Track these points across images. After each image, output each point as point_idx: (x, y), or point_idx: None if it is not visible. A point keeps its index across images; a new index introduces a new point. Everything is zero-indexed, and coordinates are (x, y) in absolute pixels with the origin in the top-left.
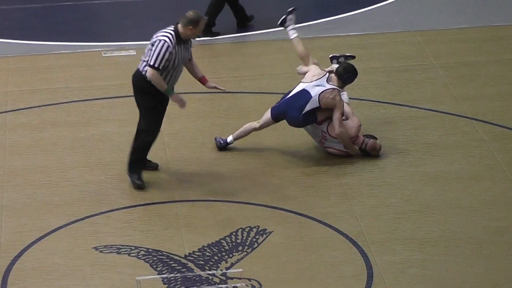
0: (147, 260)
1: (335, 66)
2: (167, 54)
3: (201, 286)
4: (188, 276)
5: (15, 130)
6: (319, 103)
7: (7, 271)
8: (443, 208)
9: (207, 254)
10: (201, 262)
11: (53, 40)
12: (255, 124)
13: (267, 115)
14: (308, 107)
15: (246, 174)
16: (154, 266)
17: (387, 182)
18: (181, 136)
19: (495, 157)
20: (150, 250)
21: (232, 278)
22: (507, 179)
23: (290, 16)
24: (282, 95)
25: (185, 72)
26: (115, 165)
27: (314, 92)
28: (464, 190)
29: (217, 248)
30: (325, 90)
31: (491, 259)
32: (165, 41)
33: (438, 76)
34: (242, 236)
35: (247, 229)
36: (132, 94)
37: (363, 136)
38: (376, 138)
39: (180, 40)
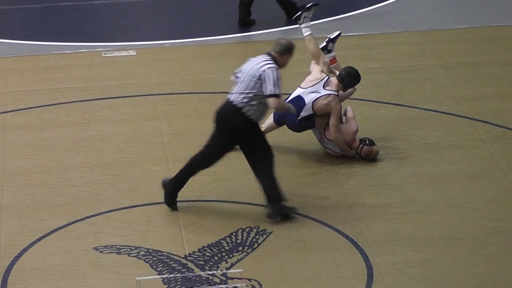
0: (147, 260)
1: (330, 55)
2: (281, 80)
3: (201, 286)
4: (188, 276)
5: (15, 130)
6: (313, 110)
7: (7, 271)
8: (443, 208)
9: (207, 254)
10: (201, 262)
11: (53, 40)
12: None
13: (270, 119)
14: (303, 114)
15: (246, 174)
16: (154, 266)
17: (387, 182)
18: (181, 136)
19: (495, 157)
20: (150, 250)
21: (232, 278)
22: (507, 179)
23: (306, 13)
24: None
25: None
26: (115, 165)
27: (308, 99)
28: (464, 190)
29: (217, 248)
30: (319, 97)
31: (490, 259)
32: (276, 68)
33: (438, 76)
34: (242, 236)
35: (247, 229)
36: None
37: (361, 140)
38: (374, 144)
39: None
